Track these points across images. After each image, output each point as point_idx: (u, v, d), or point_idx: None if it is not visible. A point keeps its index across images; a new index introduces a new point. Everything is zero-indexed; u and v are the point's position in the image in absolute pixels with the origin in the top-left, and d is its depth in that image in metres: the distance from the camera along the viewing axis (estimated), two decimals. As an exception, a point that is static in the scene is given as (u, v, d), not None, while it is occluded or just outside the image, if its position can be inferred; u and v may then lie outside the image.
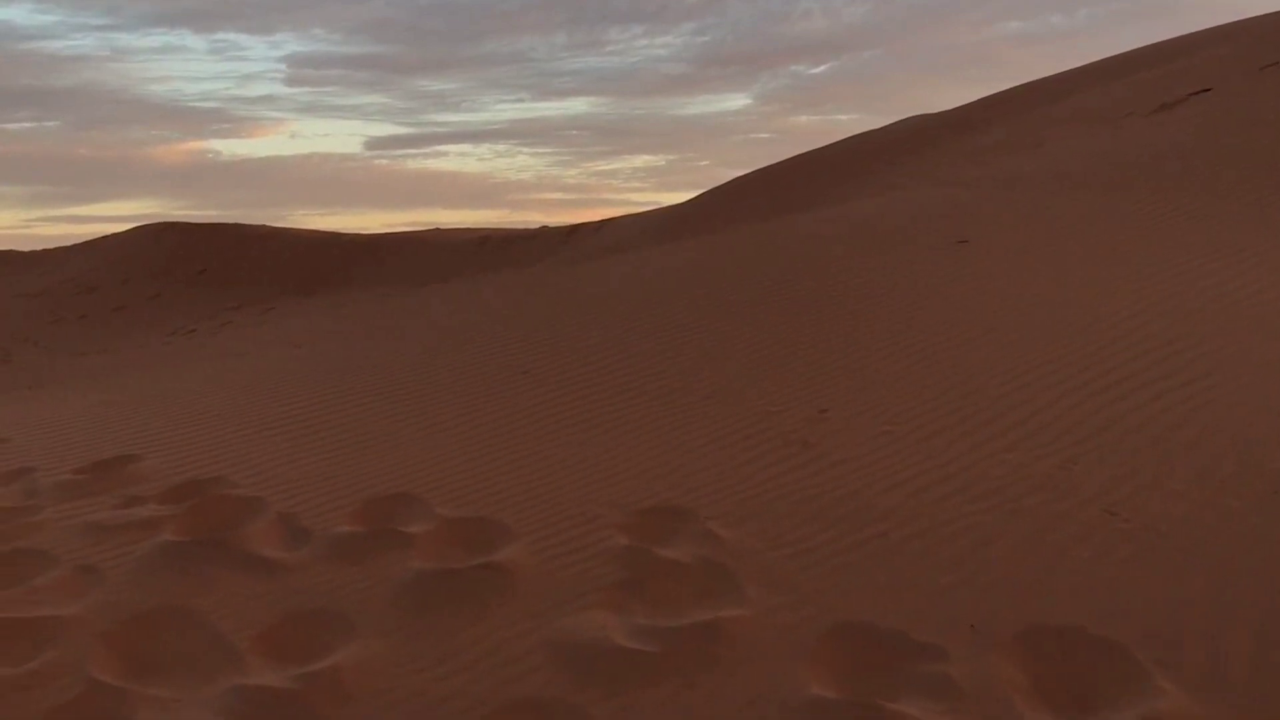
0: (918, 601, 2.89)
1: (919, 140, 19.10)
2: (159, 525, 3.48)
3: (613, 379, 4.58)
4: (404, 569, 3.16)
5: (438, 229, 33.78)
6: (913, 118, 23.38)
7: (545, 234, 28.33)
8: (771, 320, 5.24)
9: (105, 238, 37.53)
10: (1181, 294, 5.45)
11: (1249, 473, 3.46)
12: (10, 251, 38.57)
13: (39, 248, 38.49)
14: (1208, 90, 12.57)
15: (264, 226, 34.82)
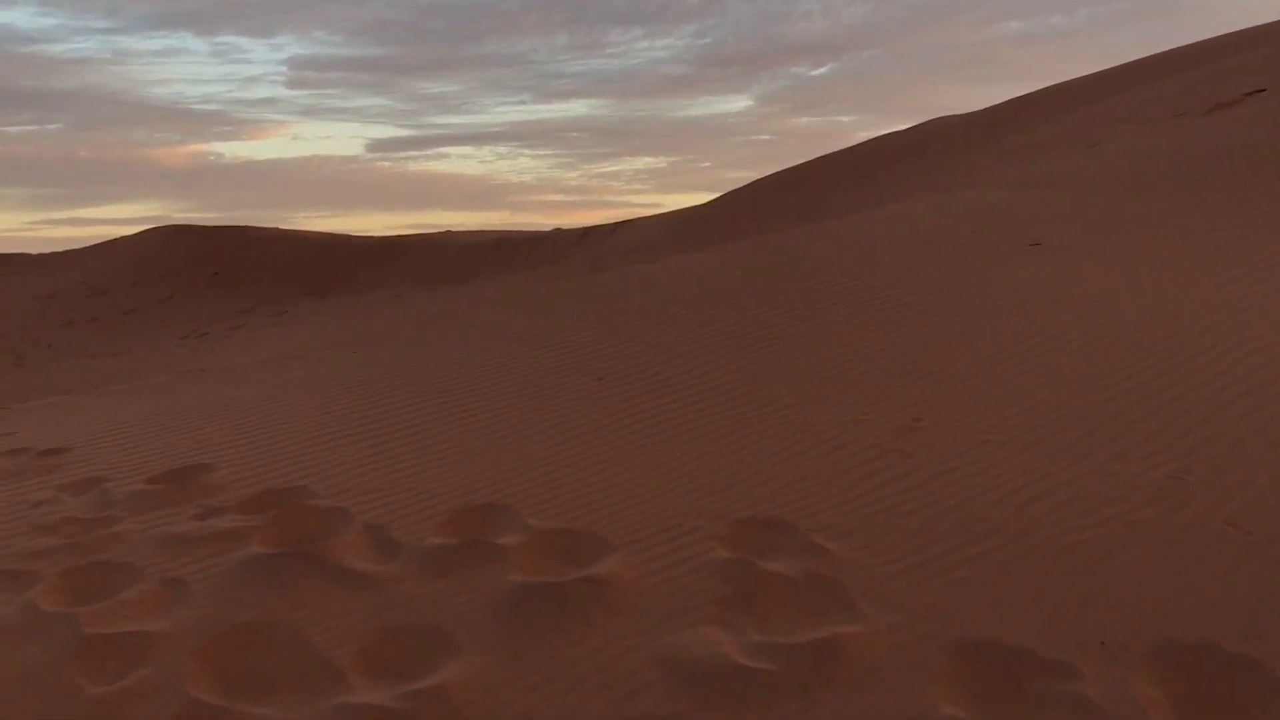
0: (1041, 618, 2.83)
1: (950, 141, 19.04)
2: (243, 537, 3.45)
3: (688, 385, 4.53)
4: (501, 582, 3.12)
5: (449, 231, 33.89)
6: (937, 119, 23.32)
7: (559, 236, 28.37)
8: (842, 324, 5.18)
9: (116, 240, 37.80)
10: (1267, 298, 5.37)
11: (1372, 483, 3.39)
12: (20, 255, 38.90)
13: (40, 249, 38.67)
14: (1262, 90, 12.46)
15: (275, 229, 34.99)
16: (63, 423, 5.14)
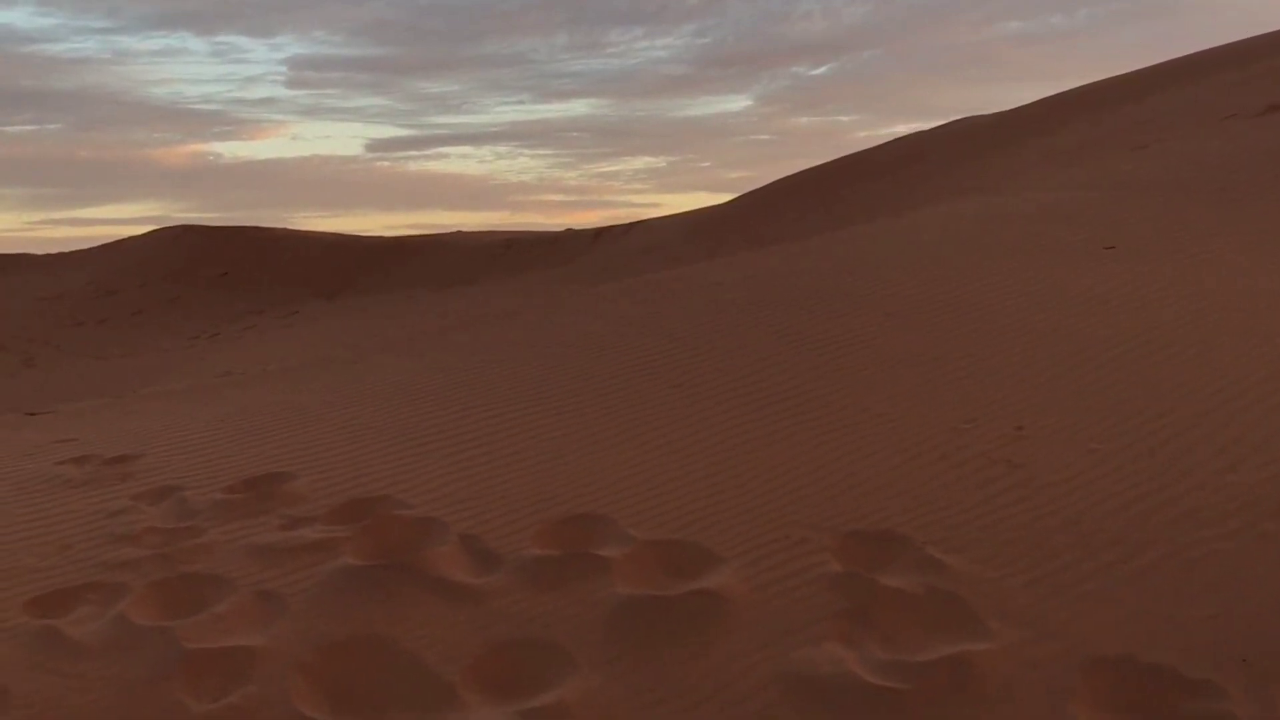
0: (1175, 634, 2.79)
1: (978, 142, 18.95)
2: (334, 548, 3.42)
3: (769, 392, 4.49)
4: (608, 595, 3.09)
5: (459, 231, 33.91)
6: (961, 120, 23.22)
7: (571, 236, 28.37)
8: (918, 328, 5.13)
9: (122, 240, 37.96)
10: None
11: None
12: (25, 255, 39.07)
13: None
14: None
15: (283, 229, 35.08)
16: (121, 428, 5.11)
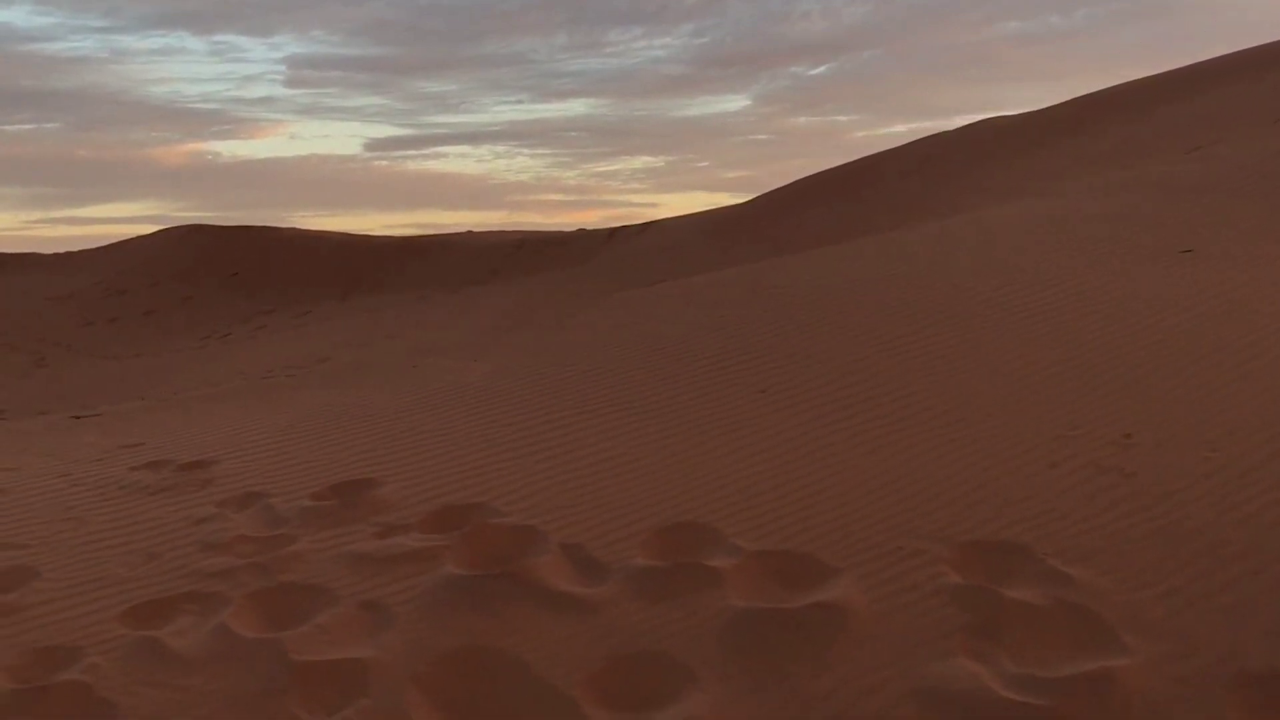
0: (1322, 650, 2.72)
1: (1010, 145, 18.80)
2: (433, 557, 3.39)
3: (858, 397, 4.45)
4: (723, 607, 3.05)
5: (470, 231, 33.94)
6: (983, 121, 23.07)
7: (583, 236, 28.36)
8: (1007, 333, 5.08)
9: (130, 240, 38.15)
10: None
11: None
12: (33, 254, 39.27)
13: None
14: None
15: (292, 229, 35.18)
16: (187, 432, 5.10)
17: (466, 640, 3.01)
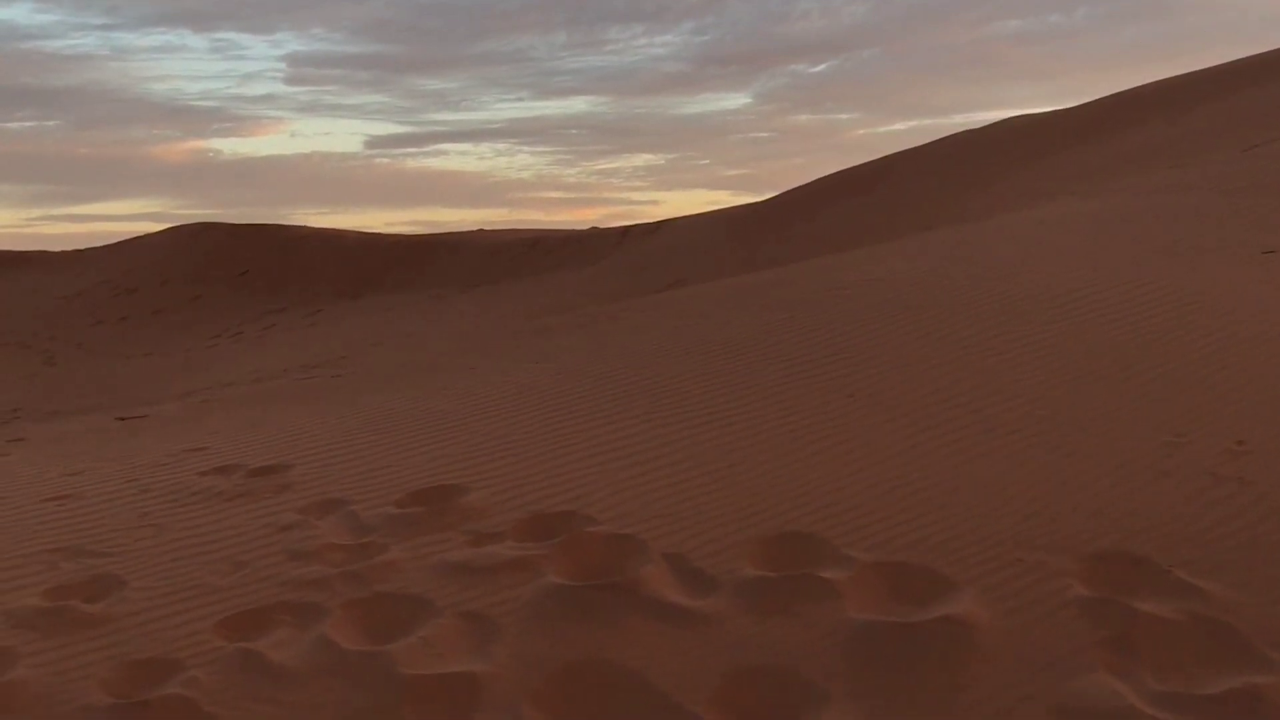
0: None
1: (1043, 143, 18.65)
2: (533, 566, 3.34)
3: (950, 400, 4.39)
4: (843, 621, 3.00)
5: (480, 230, 33.96)
6: (1011, 119, 22.96)
7: (597, 235, 28.33)
8: (1096, 336, 5.01)
9: (138, 238, 38.22)
10: None
11: None
12: (41, 252, 39.38)
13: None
14: None
15: (304, 227, 35.21)
16: (251, 435, 5.05)
17: (579, 654, 2.95)
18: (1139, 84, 20.41)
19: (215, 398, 8.24)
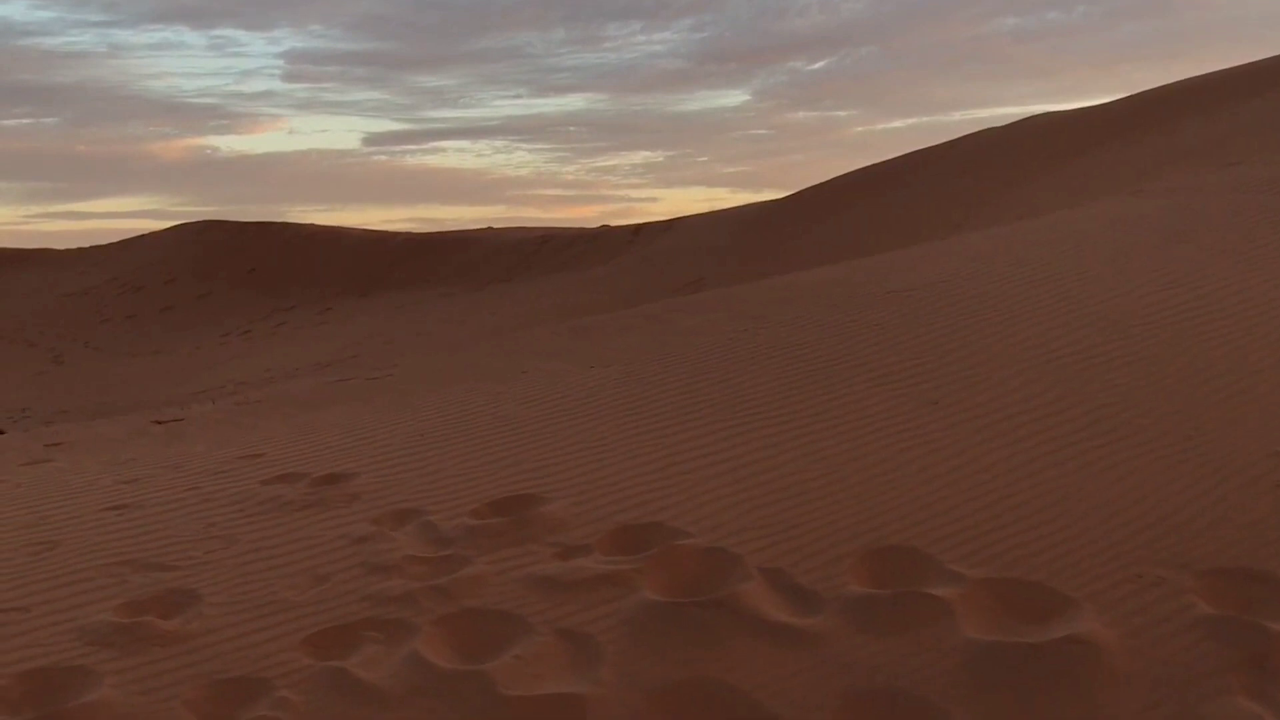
0: None
1: (1068, 142, 18.50)
2: (625, 582, 3.27)
3: (1041, 409, 4.30)
4: (960, 641, 2.92)
5: (490, 227, 34.03)
6: (1033, 117, 22.82)
7: (608, 233, 28.31)
8: (1181, 341, 4.92)
9: (144, 236, 38.31)
10: None
11: None
12: (45, 250, 39.52)
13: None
14: None
15: (311, 225, 35.26)
16: (306, 440, 4.97)
17: (685, 674, 2.88)
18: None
19: (249, 400, 8.16)
